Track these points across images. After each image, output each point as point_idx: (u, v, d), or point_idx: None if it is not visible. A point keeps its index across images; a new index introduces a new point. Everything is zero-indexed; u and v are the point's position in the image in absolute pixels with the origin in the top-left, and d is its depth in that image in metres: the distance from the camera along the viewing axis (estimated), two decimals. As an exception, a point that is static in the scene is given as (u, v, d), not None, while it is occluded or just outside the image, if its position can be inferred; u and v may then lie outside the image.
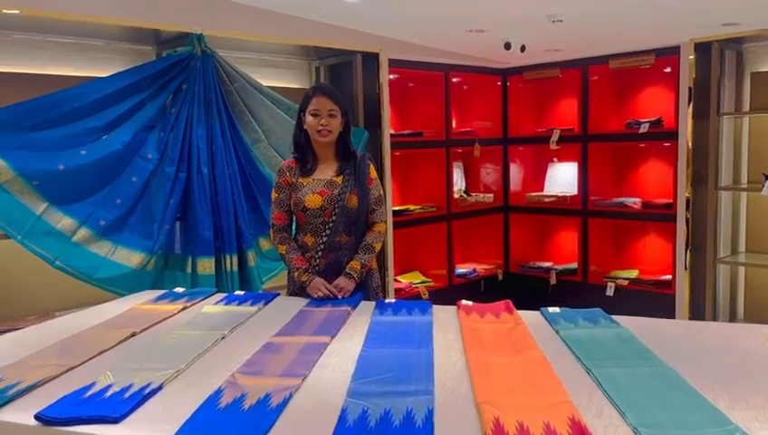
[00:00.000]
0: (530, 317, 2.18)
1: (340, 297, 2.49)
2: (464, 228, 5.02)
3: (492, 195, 5.23)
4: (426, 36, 4.26)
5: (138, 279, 3.06)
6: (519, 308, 2.25)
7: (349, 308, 2.35)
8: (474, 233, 5.21)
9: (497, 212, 5.29)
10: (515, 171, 5.34)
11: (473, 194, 5.26)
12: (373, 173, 2.75)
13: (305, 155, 2.70)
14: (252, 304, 2.46)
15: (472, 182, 5.40)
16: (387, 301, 2.46)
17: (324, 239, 2.61)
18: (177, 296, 2.62)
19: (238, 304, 2.47)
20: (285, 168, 2.72)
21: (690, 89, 4.02)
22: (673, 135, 4.27)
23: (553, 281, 4.99)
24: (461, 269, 5.03)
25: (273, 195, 2.72)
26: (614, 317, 2.11)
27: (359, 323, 2.17)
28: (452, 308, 2.35)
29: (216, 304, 2.49)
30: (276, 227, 2.71)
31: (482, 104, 5.25)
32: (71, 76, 3.24)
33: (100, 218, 3.00)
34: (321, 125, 2.59)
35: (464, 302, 2.35)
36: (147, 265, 3.08)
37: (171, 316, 2.34)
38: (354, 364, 1.73)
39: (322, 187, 2.64)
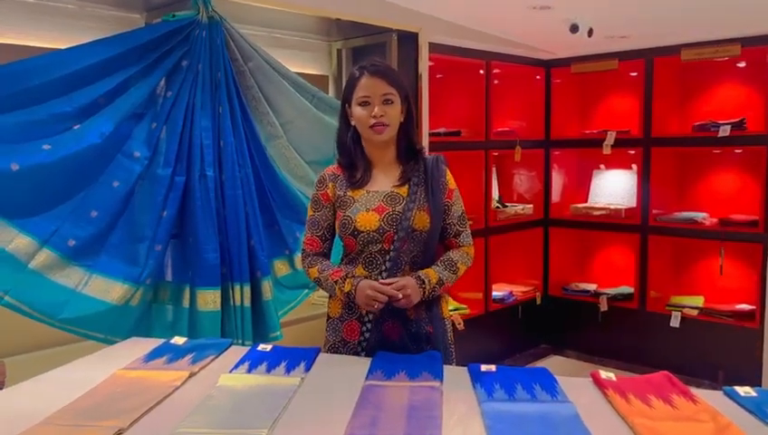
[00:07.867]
0: (711, 400, 1.48)
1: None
2: (499, 245, 4.29)
3: (531, 206, 4.52)
4: (473, 13, 3.52)
5: (118, 318, 2.29)
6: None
7: (436, 382, 1.61)
8: (509, 250, 4.48)
9: (536, 226, 4.57)
10: (556, 179, 4.63)
11: (508, 204, 4.54)
12: (452, 182, 2.01)
13: (353, 161, 1.97)
14: (287, 372, 1.72)
15: (505, 190, 4.68)
16: (483, 368, 1.72)
17: (384, 275, 1.87)
18: (179, 353, 1.86)
19: (268, 371, 1.72)
20: (328, 176, 1.99)
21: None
22: (762, 140, 3.62)
23: (604, 307, 4.29)
24: (497, 293, 4.30)
25: (309, 212, 2.00)
26: None
27: (464, 416, 1.44)
28: (585, 381, 1.65)
29: (236, 369, 1.73)
30: (306, 253, 1.99)
31: (519, 100, 4.52)
32: (31, 48, 2.46)
33: (69, 237, 2.21)
34: (374, 117, 1.87)
35: (603, 374, 1.63)
36: (131, 299, 2.30)
37: (174, 391, 1.59)
38: None
39: (380, 201, 1.91)
